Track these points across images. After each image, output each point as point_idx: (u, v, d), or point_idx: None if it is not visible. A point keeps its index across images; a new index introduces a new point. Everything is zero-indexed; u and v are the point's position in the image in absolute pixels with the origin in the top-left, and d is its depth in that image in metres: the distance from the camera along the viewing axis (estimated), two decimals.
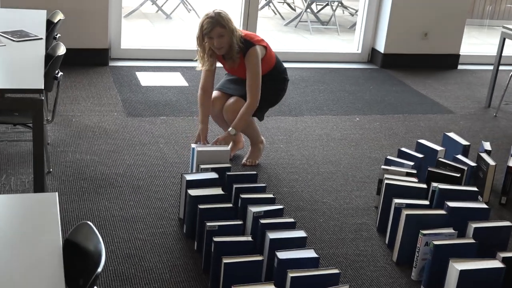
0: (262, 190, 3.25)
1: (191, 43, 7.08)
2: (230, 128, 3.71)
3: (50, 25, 4.00)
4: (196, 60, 3.79)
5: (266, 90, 3.79)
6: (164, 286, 2.75)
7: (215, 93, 3.88)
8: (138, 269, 2.84)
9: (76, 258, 1.78)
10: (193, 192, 3.07)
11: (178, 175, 3.68)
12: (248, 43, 3.67)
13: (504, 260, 2.75)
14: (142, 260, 2.91)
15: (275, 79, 3.87)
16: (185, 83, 5.39)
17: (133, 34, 6.96)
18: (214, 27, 3.54)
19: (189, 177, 3.21)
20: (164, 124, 4.44)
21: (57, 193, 2.03)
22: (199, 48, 3.70)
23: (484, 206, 3.21)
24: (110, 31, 5.62)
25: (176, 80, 5.46)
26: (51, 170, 3.60)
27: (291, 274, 2.53)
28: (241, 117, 3.71)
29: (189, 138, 4.23)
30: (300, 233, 2.88)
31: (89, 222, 1.83)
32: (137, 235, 3.10)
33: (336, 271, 2.63)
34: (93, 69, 5.45)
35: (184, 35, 7.82)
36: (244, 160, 3.95)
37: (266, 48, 3.76)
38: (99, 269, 1.63)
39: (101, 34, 5.50)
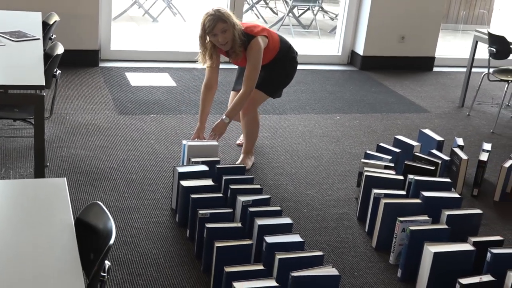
0: (250, 181, 3.45)
1: (178, 45, 7.31)
2: (224, 116, 3.80)
3: (45, 27, 4.17)
4: (197, 61, 3.88)
5: (277, 73, 3.96)
6: (160, 270, 2.94)
7: (231, 95, 4.08)
8: (134, 255, 3.03)
9: (87, 235, 1.95)
10: (185, 183, 3.26)
11: (169, 169, 3.87)
12: (249, 36, 3.75)
13: (475, 244, 2.98)
14: (138, 246, 3.10)
15: (282, 59, 3.97)
16: (173, 83, 5.59)
17: (120, 36, 7.13)
18: (216, 23, 3.63)
19: (181, 169, 3.40)
20: (154, 122, 4.64)
21: (65, 178, 2.21)
22: (201, 48, 3.79)
23: (457, 195, 3.45)
24: (100, 33, 5.80)
25: (164, 80, 5.65)
26: (48, 164, 3.77)
27: (279, 256, 2.73)
28: (235, 106, 3.81)
29: (179, 134, 4.43)
30: (286, 220, 3.09)
31: (99, 202, 2.01)
32: (132, 224, 3.28)
33: (320, 253, 2.83)
34: (84, 69, 5.63)
35: (170, 37, 8.03)
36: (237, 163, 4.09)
37: (268, 37, 3.84)
38: (111, 241, 1.81)
39: (91, 36, 5.68)
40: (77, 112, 4.68)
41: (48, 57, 3.47)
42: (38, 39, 3.78)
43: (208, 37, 3.73)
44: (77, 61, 5.54)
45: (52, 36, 4.19)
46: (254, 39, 3.76)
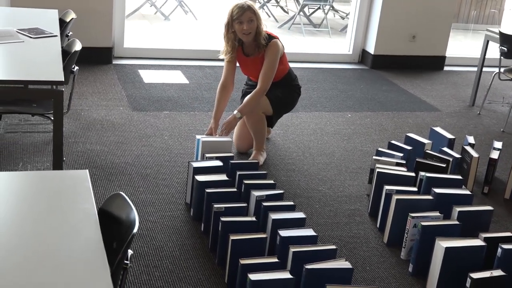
0: (263, 176, 3.51)
1: (190, 43, 7.36)
2: (236, 112, 3.93)
3: (62, 24, 4.24)
4: (220, 54, 4.08)
5: (285, 93, 4.11)
6: (175, 262, 2.99)
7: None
8: (150, 247, 3.09)
9: (109, 225, 2.01)
10: (200, 177, 3.32)
11: (183, 164, 3.93)
12: (270, 37, 3.98)
13: (485, 239, 3.02)
14: (153, 239, 3.16)
15: (291, 83, 4.19)
16: (186, 81, 5.65)
17: (133, 34, 7.20)
18: (245, 11, 3.84)
19: (195, 164, 3.46)
20: (168, 118, 4.70)
21: (87, 170, 2.27)
22: (225, 37, 3.98)
23: (468, 192, 3.48)
24: (114, 31, 5.87)
25: (177, 77, 5.71)
26: (64, 159, 3.83)
27: (293, 249, 2.78)
28: (248, 102, 3.94)
29: (192, 131, 4.48)
30: (300, 215, 3.14)
31: (121, 193, 2.07)
32: (147, 217, 3.34)
33: (333, 247, 2.89)
34: (98, 66, 5.70)
35: (182, 35, 8.09)
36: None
37: (284, 48, 4.06)
38: (135, 230, 1.86)
39: (105, 33, 5.75)
40: (92, 108, 4.75)
41: (65, 53, 3.53)
42: (56, 36, 3.84)
43: (233, 25, 3.87)
44: (91, 58, 5.60)
45: (68, 33, 4.25)
46: (275, 40, 3.97)
